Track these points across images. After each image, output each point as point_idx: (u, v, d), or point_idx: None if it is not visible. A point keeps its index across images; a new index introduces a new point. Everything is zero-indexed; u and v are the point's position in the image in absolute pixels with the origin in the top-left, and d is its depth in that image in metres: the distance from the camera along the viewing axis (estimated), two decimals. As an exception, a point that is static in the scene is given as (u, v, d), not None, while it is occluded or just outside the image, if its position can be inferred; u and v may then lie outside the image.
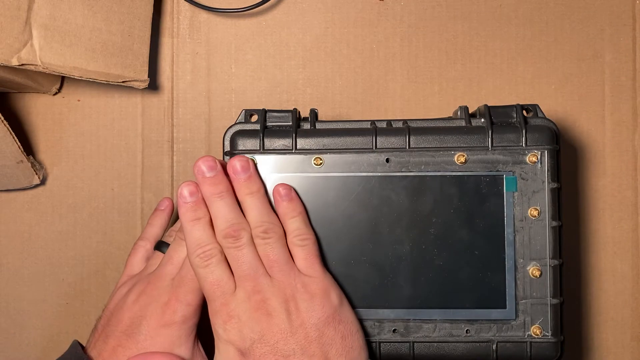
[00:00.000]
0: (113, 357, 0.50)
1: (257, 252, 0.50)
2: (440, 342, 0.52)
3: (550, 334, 0.51)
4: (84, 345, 0.54)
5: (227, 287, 0.49)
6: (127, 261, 0.58)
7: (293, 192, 0.52)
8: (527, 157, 0.51)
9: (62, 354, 0.53)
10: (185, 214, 0.50)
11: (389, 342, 0.52)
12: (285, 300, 0.48)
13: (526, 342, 0.51)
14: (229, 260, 0.50)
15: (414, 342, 0.52)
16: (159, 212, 0.61)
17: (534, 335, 0.51)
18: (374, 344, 0.52)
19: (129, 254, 0.59)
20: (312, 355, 0.47)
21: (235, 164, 0.51)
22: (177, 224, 0.57)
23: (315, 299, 0.49)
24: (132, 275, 0.57)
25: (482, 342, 0.52)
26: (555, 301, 0.51)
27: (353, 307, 0.52)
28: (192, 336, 0.52)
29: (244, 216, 0.50)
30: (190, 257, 0.50)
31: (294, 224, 0.51)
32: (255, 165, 0.52)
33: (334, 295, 0.49)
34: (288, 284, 0.49)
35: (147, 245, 0.59)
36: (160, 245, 0.57)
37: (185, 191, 0.50)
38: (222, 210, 0.50)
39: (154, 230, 0.60)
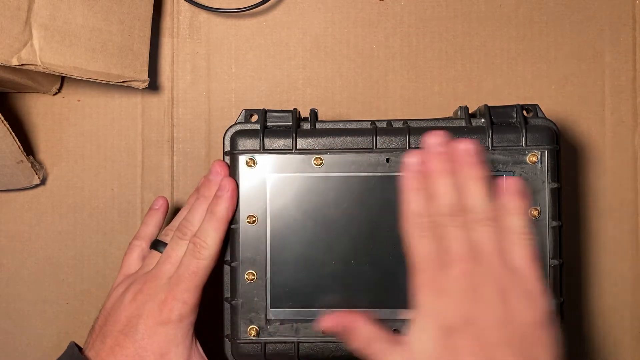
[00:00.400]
0: (111, 356, 0.51)
1: (474, 236, 0.48)
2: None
3: (550, 334, 0.51)
4: (81, 346, 0.54)
5: (441, 262, 0.47)
6: (123, 261, 0.58)
7: (527, 189, 0.50)
8: (527, 157, 0.51)
9: (59, 356, 0.53)
10: (409, 181, 0.49)
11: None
12: (500, 291, 0.46)
13: (526, 342, 0.51)
14: (446, 238, 0.48)
15: (414, 342, 0.52)
16: (154, 211, 0.60)
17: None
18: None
19: (124, 254, 0.58)
20: (516, 351, 0.45)
21: (461, 145, 0.49)
22: (173, 223, 0.57)
23: (530, 298, 0.46)
24: (128, 275, 0.57)
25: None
26: (555, 301, 0.51)
27: (353, 307, 0.52)
28: (190, 335, 0.52)
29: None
30: (406, 223, 0.49)
31: (520, 221, 0.49)
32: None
33: (547, 301, 0.47)
34: (505, 275, 0.47)
35: (142, 244, 0.58)
36: (157, 244, 0.56)
37: (413, 159, 0.49)
38: (448, 187, 0.48)
39: (149, 229, 0.59)
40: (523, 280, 0.47)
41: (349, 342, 0.48)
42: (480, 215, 0.48)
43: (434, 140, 0.49)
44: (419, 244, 0.48)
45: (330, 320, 0.49)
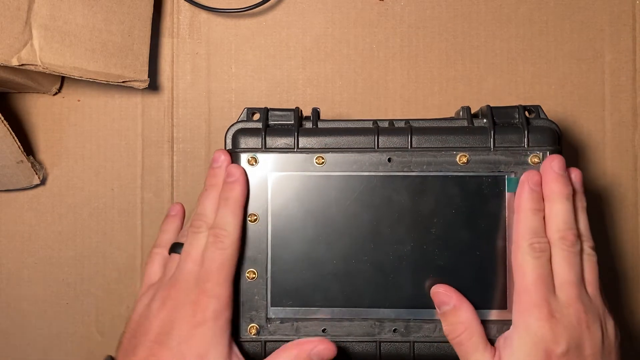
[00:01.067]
0: None
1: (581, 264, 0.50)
2: (440, 342, 0.52)
3: (551, 334, 0.51)
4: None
5: (551, 285, 0.49)
6: (145, 271, 0.56)
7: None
8: (529, 158, 0.51)
9: None
10: (528, 201, 0.50)
11: (389, 341, 0.52)
12: (599, 319, 0.49)
13: (527, 342, 0.51)
14: (556, 262, 0.49)
15: (414, 342, 0.52)
16: (171, 217, 0.59)
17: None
18: (374, 344, 0.52)
19: (145, 263, 0.57)
20: None
21: (579, 176, 0.52)
22: (199, 208, 0.55)
23: (612, 322, 0.50)
24: (152, 284, 0.54)
25: (483, 342, 0.52)
26: (556, 301, 0.51)
27: (354, 306, 0.52)
28: (227, 333, 0.50)
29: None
30: (521, 242, 0.50)
31: (585, 230, 0.52)
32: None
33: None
34: (601, 305, 0.50)
35: (163, 252, 0.56)
36: (175, 247, 0.54)
37: (533, 180, 0.50)
38: (566, 212, 0.50)
39: (168, 237, 0.58)
40: (607, 312, 0.50)
41: (447, 319, 0.50)
42: (590, 243, 0.51)
43: (558, 164, 0.50)
44: (532, 264, 0.49)
45: (443, 287, 0.51)
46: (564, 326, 0.47)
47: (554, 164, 0.50)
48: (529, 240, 0.49)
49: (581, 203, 0.52)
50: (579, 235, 0.50)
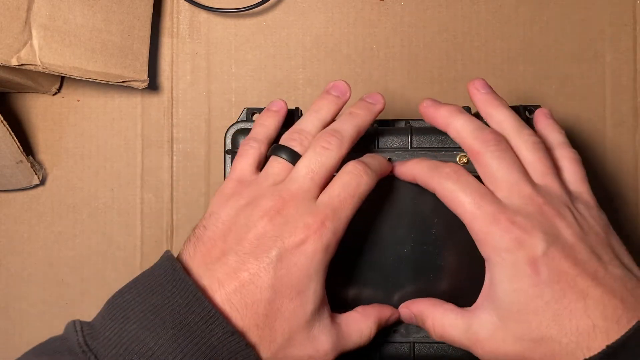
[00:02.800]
0: (234, 281, 0.42)
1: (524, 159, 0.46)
2: (440, 342, 0.52)
3: (551, 335, 0.51)
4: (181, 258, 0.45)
5: (494, 198, 0.45)
6: (235, 164, 0.49)
7: (549, 112, 0.51)
8: (530, 158, 0.51)
9: (153, 266, 0.44)
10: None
11: (389, 342, 0.52)
12: (566, 205, 0.44)
13: (527, 342, 0.51)
14: (489, 169, 0.45)
15: (414, 343, 0.52)
16: (273, 112, 0.51)
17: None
18: (374, 344, 0.52)
19: (235, 156, 0.49)
20: (602, 255, 0.43)
21: (479, 82, 0.50)
22: (299, 125, 0.49)
23: (592, 208, 0.46)
24: (245, 182, 0.47)
25: (483, 342, 0.52)
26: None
27: (353, 306, 0.52)
28: (325, 275, 0.45)
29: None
30: (437, 175, 0.46)
31: (562, 138, 0.49)
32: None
33: (602, 210, 0.46)
34: (563, 191, 0.45)
35: (261, 147, 0.49)
36: (280, 150, 0.47)
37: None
38: (470, 122, 0.47)
39: (267, 132, 0.50)
40: (577, 195, 0.46)
41: (426, 330, 0.48)
42: (523, 134, 0.46)
43: (479, 83, 0.50)
44: (455, 187, 0.45)
45: (405, 312, 0.49)
46: (531, 225, 0.42)
47: (424, 105, 0.49)
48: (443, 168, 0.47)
49: (496, 101, 0.49)
50: (499, 133, 0.47)
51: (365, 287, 0.52)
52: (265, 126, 0.50)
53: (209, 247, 0.44)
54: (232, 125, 0.54)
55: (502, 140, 0.46)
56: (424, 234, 0.51)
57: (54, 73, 0.55)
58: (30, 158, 0.63)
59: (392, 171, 0.50)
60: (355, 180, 0.45)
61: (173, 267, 0.42)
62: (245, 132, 0.53)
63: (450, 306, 0.47)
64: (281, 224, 0.43)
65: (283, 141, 0.48)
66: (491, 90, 0.50)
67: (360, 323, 0.47)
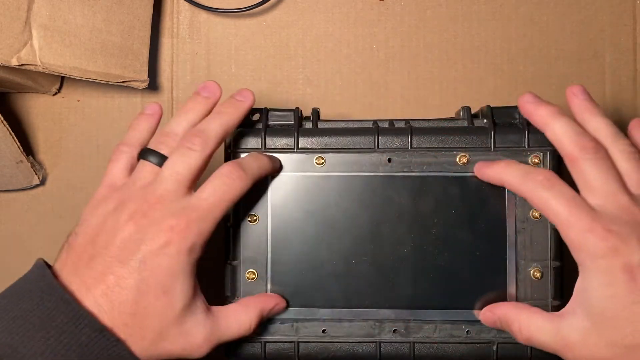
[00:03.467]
0: (101, 284, 0.43)
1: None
2: (440, 342, 0.52)
3: (551, 335, 0.51)
4: (51, 265, 0.46)
5: (588, 206, 0.44)
6: (107, 169, 0.50)
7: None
8: (530, 159, 0.51)
9: (25, 274, 0.45)
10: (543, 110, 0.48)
11: (389, 342, 0.52)
12: None
13: (527, 342, 0.51)
14: (584, 176, 0.45)
15: (414, 343, 0.52)
16: (146, 116, 0.51)
17: (535, 335, 0.51)
18: (374, 345, 0.52)
19: (109, 160, 0.50)
20: None
21: (578, 88, 0.49)
22: (168, 129, 0.49)
23: None
24: (115, 187, 0.48)
25: (483, 343, 0.52)
26: (556, 303, 0.51)
27: (354, 307, 0.52)
28: (194, 273, 0.46)
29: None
30: (525, 182, 0.46)
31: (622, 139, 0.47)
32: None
33: None
34: None
35: (132, 152, 0.49)
36: (148, 154, 0.48)
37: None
38: (568, 125, 0.47)
39: (140, 136, 0.50)
40: None
41: (511, 333, 0.48)
42: (620, 143, 0.46)
43: (528, 97, 0.49)
44: (556, 200, 0.45)
45: (487, 316, 0.50)
46: (627, 234, 0.42)
47: (524, 99, 0.49)
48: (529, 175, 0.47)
49: (595, 108, 0.48)
50: (598, 141, 0.46)
51: (365, 287, 0.52)
52: (138, 130, 0.51)
53: (79, 252, 0.45)
54: (232, 125, 0.54)
55: (600, 148, 0.45)
56: (424, 234, 0.51)
57: (54, 73, 0.55)
58: (31, 158, 0.63)
59: (474, 172, 0.50)
60: (227, 185, 0.46)
61: (43, 273, 0.44)
62: (245, 132, 0.53)
63: (536, 310, 0.48)
64: (146, 227, 0.44)
65: (151, 144, 0.48)
66: (589, 97, 0.49)
67: (240, 315, 0.48)
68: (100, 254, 0.44)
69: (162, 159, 0.47)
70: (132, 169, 0.49)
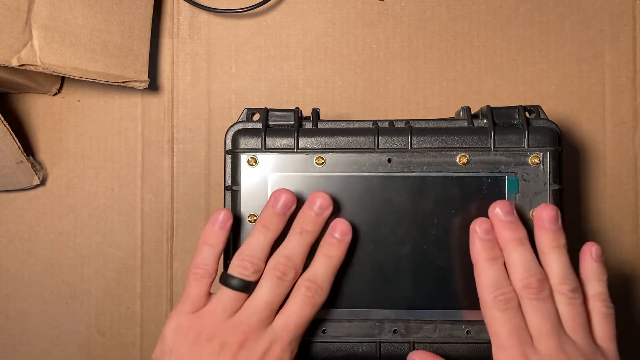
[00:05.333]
0: None
1: (557, 308, 0.48)
2: (440, 342, 0.52)
3: (551, 335, 0.51)
4: None
5: (526, 337, 0.46)
6: (187, 292, 0.49)
7: (600, 250, 0.50)
8: (529, 159, 0.51)
9: None
10: (481, 251, 0.48)
11: (389, 342, 0.52)
12: None
13: (527, 342, 0.51)
14: (526, 312, 0.47)
15: (414, 343, 0.52)
16: (219, 230, 0.50)
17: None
18: (374, 344, 0.52)
19: (188, 280, 0.50)
20: None
21: (543, 213, 0.49)
22: (247, 251, 0.49)
23: None
24: (199, 314, 0.49)
25: (483, 343, 0.52)
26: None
27: (354, 307, 0.52)
28: None
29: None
30: (485, 296, 0.48)
31: (601, 288, 0.49)
32: (562, 216, 0.49)
33: None
34: (590, 351, 0.47)
35: (212, 274, 0.49)
36: (231, 280, 0.49)
37: (482, 227, 0.49)
38: (524, 257, 0.48)
39: (215, 253, 0.50)
40: (605, 355, 0.47)
41: None
42: (567, 286, 0.48)
43: (503, 208, 0.49)
44: (501, 318, 0.47)
45: (420, 356, 0.51)
46: None
47: (497, 210, 0.49)
48: (492, 293, 0.47)
49: (555, 242, 0.49)
50: (547, 279, 0.48)
51: (365, 287, 0.52)
52: (212, 246, 0.50)
53: None
54: (232, 125, 0.54)
55: (543, 289, 0.47)
56: (423, 234, 0.51)
57: (54, 73, 0.55)
58: (31, 158, 0.63)
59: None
60: (307, 308, 0.48)
61: None
62: (245, 132, 0.53)
63: None
64: (235, 355, 0.46)
65: (232, 269, 0.49)
66: (559, 228, 0.49)
67: None
68: None
69: (247, 287, 0.48)
70: (210, 289, 0.50)
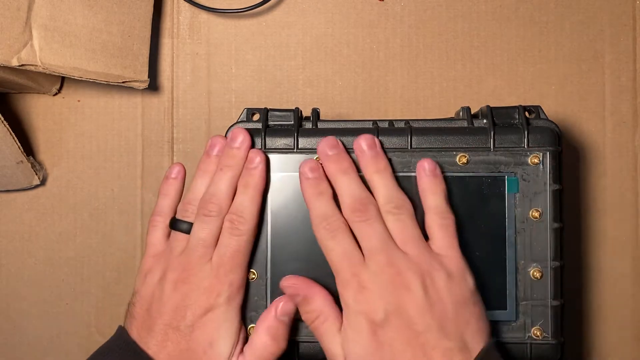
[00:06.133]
0: (162, 351, 0.50)
1: (386, 227, 0.49)
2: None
3: (550, 336, 0.51)
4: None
5: (357, 258, 0.48)
6: (147, 240, 0.55)
7: (438, 169, 0.51)
8: (529, 159, 0.51)
9: (109, 339, 0.52)
10: (307, 189, 0.51)
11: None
12: (421, 275, 0.47)
13: (526, 343, 0.51)
14: (357, 235, 0.49)
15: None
16: (172, 180, 0.56)
17: (534, 336, 0.51)
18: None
19: (147, 231, 0.56)
20: (448, 333, 0.46)
21: (361, 142, 0.51)
22: (190, 196, 0.54)
23: (453, 277, 0.48)
24: (157, 256, 0.54)
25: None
26: (556, 303, 0.51)
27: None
28: (237, 317, 0.51)
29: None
30: (316, 229, 0.50)
31: (436, 201, 0.50)
32: (380, 143, 0.52)
33: (470, 277, 0.49)
34: (424, 260, 0.48)
35: (165, 220, 0.55)
36: (177, 224, 0.53)
37: (306, 167, 0.51)
38: (348, 185, 0.50)
39: (169, 202, 0.56)
40: (443, 261, 0.48)
41: (301, 308, 0.51)
42: (391, 204, 0.49)
43: (324, 145, 0.51)
44: (330, 245, 0.49)
45: (289, 281, 0.51)
46: (379, 294, 0.47)
47: (321, 147, 0.51)
48: (319, 224, 0.50)
49: (371, 167, 0.51)
50: (373, 202, 0.50)
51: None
52: (166, 196, 0.56)
53: (140, 321, 0.51)
54: (232, 125, 0.54)
55: (367, 210, 0.49)
56: (424, 234, 0.51)
57: (54, 73, 0.55)
58: (31, 158, 0.63)
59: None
60: (233, 238, 0.51)
61: (121, 333, 0.52)
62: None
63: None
64: (188, 293, 0.50)
65: (178, 213, 0.54)
66: (376, 153, 0.52)
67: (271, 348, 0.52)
68: (156, 322, 0.50)
69: (188, 227, 0.53)
70: (168, 235, 0.55)
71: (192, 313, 0.50)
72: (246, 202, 0.51)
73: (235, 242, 0.51)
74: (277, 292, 0.52)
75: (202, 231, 0.51)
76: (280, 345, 0.51)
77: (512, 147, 0.51)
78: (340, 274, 0.48)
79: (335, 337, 0.49)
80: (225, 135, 0.54)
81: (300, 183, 0.51)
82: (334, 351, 0.49)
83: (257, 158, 0.52)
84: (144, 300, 0.52)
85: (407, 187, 0.51)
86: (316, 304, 0.50)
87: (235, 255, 0.51)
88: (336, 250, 0.49)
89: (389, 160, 0.52)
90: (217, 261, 0.51)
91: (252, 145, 0.53)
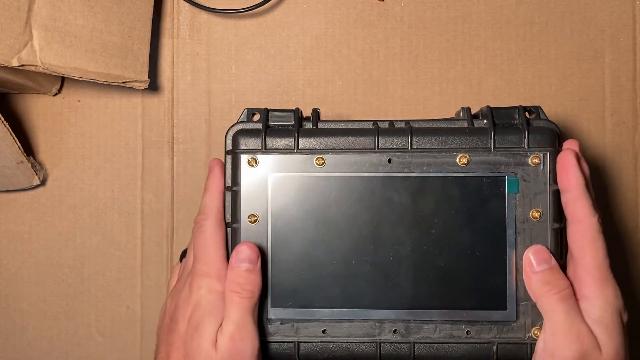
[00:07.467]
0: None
1: None
2: (440, 343, 0.52)
3: (551, 335, 0.51)
4: None
5: None
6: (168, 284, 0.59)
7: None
8: (530, 159, 0.51)
9: None
10: (581, 177, 0.50)
11: (389, 342, 0.52)
12: None
13: (527, 343, 0.51)
14: None
15: (414, 343, 0.52)
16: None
17: (534, 336, 0.51)
18: (374, 345, 0.52)
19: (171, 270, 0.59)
20: None
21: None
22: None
23: None
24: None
25: (483, 343, 0.52)
26: (556, 302, 0.51)
27: (354, 307, 0.52)
28: (222, 304, 0.52)
29: None
30: (591, 219, 0.49)
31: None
32: None
33: None
34: None
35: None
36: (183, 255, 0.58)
37: (574, 159, 0.50)
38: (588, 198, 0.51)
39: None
40: None
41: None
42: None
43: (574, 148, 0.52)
44: (603, 240, 0.49)
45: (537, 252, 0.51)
46: (620, 296, 0.50)
47: (569, 148, 0.51)
48: (595, 216, 0.49)
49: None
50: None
51: (365, 287, 0.52)
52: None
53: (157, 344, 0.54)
54: (232, 125, 0.54)
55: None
56: (424, 234, 0.51)
57: (54, 74, 0.55)
58: (31, 158, 0.63)
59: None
60: (199, 235, 0.53)
61: None
62: (245, 132, 0.53)
63: None
64: (175, 296, 0.54)
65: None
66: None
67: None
68: (161, 338, 0.53)
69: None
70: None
71: (182, 311, 0.52)
72: (206, 200, 0.54)
73: (201, 237, 0.53)
74: (277, 292, 0.52)
75: (189, 244, 0.55)
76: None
77: (513, 148, 0.51)
78: (604, 270, 0.50)
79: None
80: (225, 136, 0.54)
81: (569, 170, 0.50)
82: None
83: (212, 163, 0.55)
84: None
85: (408, 187, 0.51)
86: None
87: (205, 248, 0.52)
88: (605, 247, 0.50)
89: (389, 160, 0.52)
90: (193, 259, 0.53)
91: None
